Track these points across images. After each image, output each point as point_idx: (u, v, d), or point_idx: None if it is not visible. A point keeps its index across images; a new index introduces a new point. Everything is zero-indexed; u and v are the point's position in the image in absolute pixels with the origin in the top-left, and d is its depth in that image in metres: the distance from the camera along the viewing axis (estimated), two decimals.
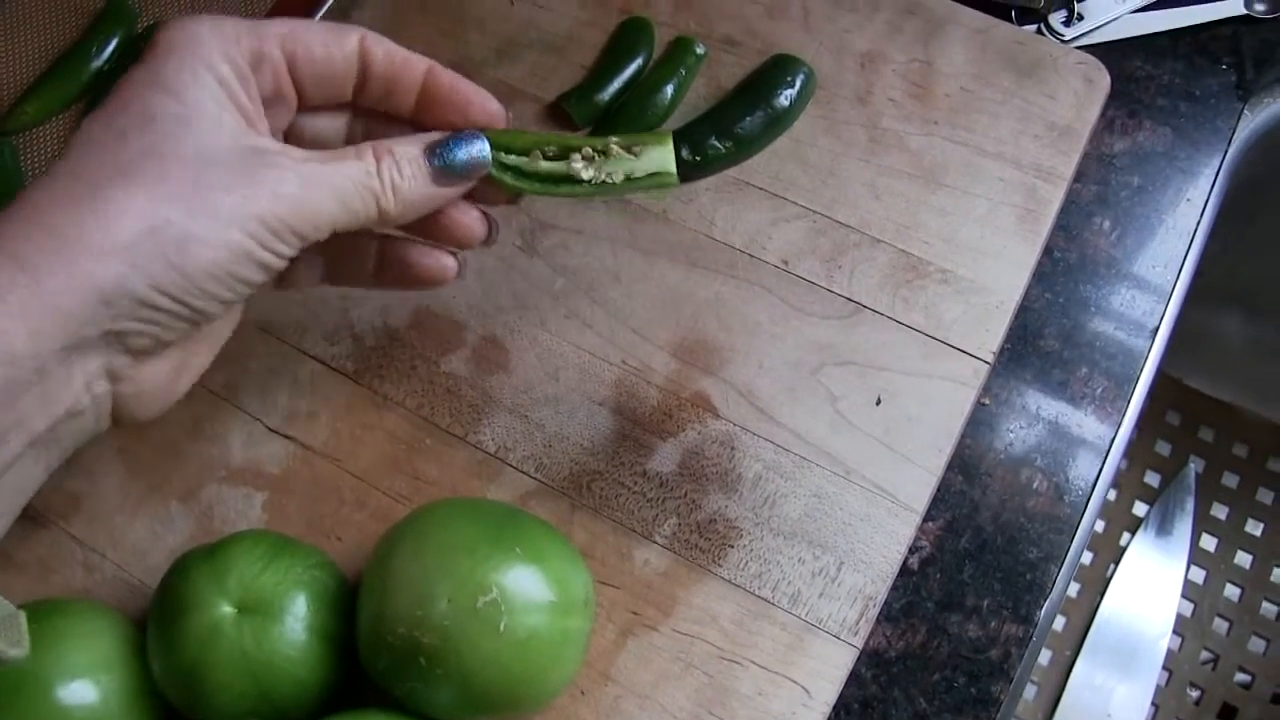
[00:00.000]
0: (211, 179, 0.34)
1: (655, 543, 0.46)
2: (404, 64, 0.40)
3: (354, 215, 0.38)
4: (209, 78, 0.36)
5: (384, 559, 0.40)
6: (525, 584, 0.38)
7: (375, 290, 0.45)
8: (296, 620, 0.40)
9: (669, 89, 0.55)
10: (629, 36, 0.57)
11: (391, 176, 0.39)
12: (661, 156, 0.44)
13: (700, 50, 0.56)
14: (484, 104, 0.42)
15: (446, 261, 0.43)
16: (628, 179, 0.43)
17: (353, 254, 0.44)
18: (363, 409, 0.49)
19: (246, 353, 0.51)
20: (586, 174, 0.42)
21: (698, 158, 0.53)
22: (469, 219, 0.42)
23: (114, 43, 0.59)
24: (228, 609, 0.39)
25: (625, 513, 0.47)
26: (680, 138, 0.53)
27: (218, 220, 0.34)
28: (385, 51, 0.40)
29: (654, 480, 0.47)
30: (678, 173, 0.44)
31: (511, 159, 0.42)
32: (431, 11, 0.60)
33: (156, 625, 0.40)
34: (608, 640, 0.44)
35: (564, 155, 0.42)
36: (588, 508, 0.47)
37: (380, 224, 0.39)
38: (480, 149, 0.41)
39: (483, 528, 0.40)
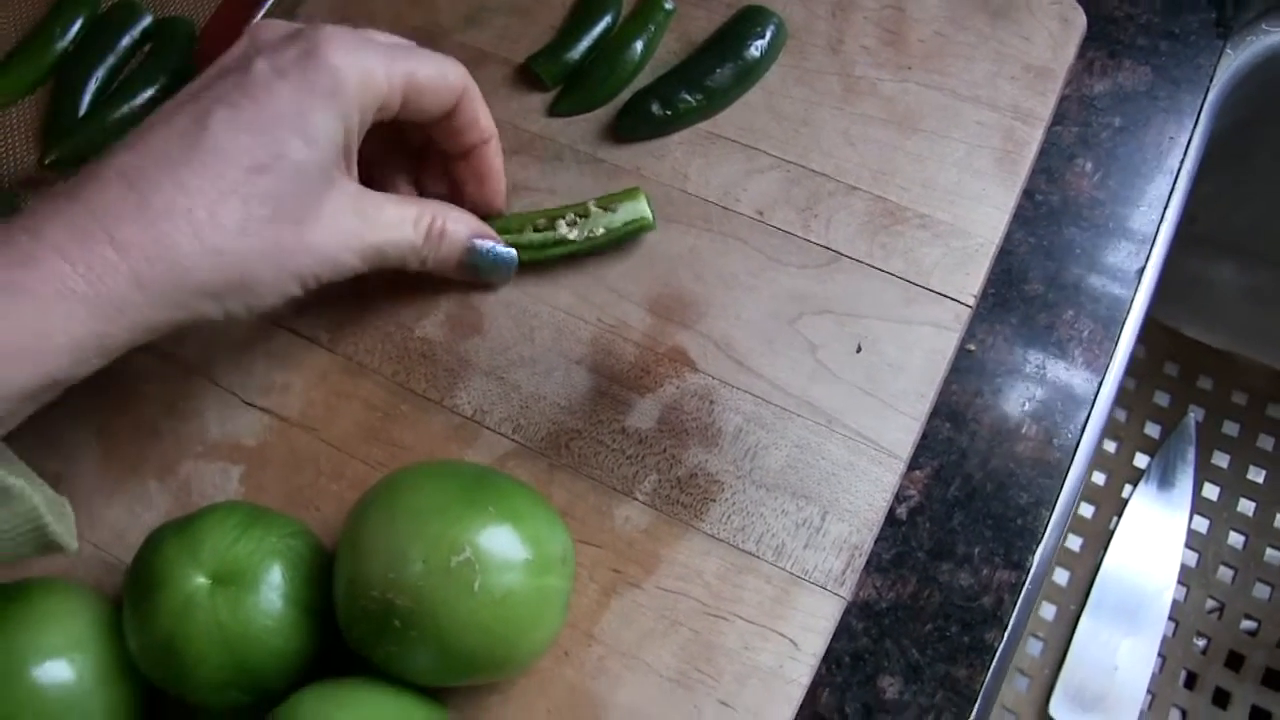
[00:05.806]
0: (323, 222, 0.41)
1: (636, 500, 0.45)
2: (474, 123, 0.46)
3: (388, 262, 0.45)
4: (341, 129, 0.41)
5: (357, 524, 0.39)
6: (499, 543, 0.37)
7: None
8: (272, 589, 0.39)
9: (638, 45, 0.54)
10: None
11: (435, 253, 0.46)
12: (635, 207, 0.49)
13: (669, 6, 0.56)
14: (498, 192, 0.49)
15: None
16: (608, 231, 0.49)
17: None
18: (337, 378, 0.49)
19: (219, 326, 0.50)
20: (572, 234, 0.49)
21: (668, 112, 0.52)
22: None
23: (78, 24, 0.58)
24: (201, 580, 0.38)
25: (605, 471, 0.46)
26: (650, 93, 0.52)
27: (315, 256, 0.41)
28: (473, 109, 0.46)
29: (633, 437, 0.46)
30: (651, 213, 0.49)
31: (510, 237, 0.49)
32: None
33: (131, 601, 0.40)
34: (590, 600, 0.44)
35: (551, 223, 0.49)
36: (567, 467, 0.46)
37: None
38: (509, 266, 0.49)
39: (456, 489, 0.39)
